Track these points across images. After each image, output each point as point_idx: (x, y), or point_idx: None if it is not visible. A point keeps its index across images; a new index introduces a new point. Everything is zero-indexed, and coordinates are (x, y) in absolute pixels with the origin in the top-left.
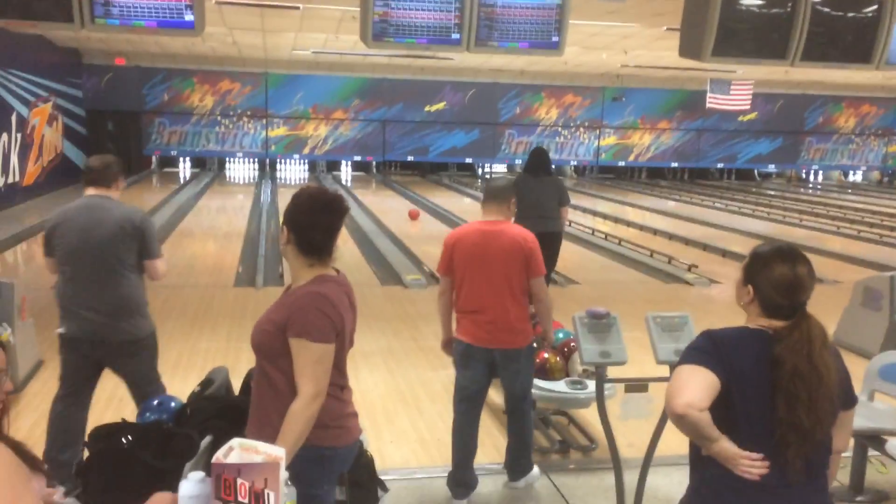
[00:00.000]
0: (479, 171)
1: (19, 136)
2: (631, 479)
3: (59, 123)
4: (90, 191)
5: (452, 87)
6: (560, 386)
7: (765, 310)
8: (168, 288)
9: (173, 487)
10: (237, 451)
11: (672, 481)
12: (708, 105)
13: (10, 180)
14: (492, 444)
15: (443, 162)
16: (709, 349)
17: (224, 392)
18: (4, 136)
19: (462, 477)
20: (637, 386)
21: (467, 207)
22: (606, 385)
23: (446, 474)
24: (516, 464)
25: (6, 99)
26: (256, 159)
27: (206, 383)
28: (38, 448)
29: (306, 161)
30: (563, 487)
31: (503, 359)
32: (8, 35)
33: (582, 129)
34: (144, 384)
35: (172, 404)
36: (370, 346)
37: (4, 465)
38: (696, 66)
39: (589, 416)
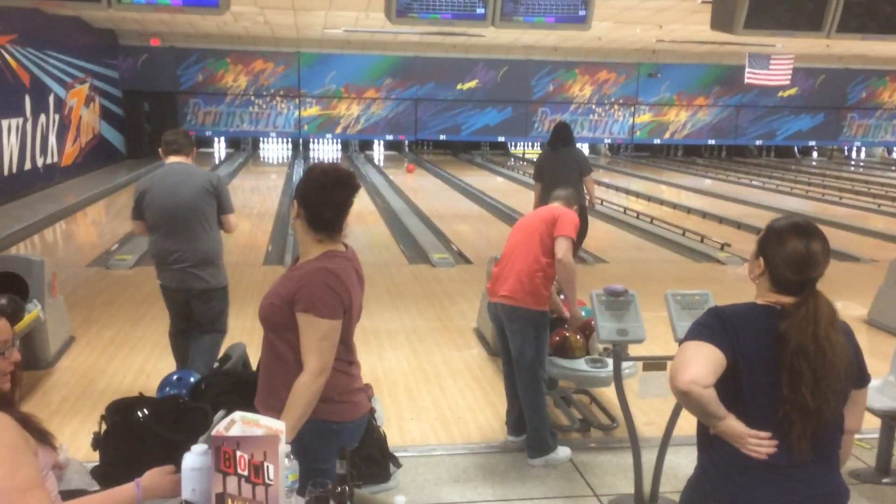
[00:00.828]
0: (511, 149)
1: (57, 117)
2: (649, 457)
3: (97, 104)
4: (172, 159)
5: (485, 64)
6: (580, 364)
7: (775, 284)
8: None
9: None
10: (238, 424)
11: (691, 461)
12: (746, 80)
13: (49, 161)
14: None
15: (475, 141)
16: (715, 325)
17: (240, 367)
18: (42, 117)
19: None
20: (655, 364)
21: (499, 186)
22: (627, 364)
23: (466, 451)
24: (527, 438)
25: (43, 80)
26: (289, 139)
27: (223, 359)
28: (68, 421)
29: (339, 141)
30: (582, 466)
31: (505, 317)
32: (44, 17)
33: (616, 107)
34: (217, 322)
35: (192, 379)
36: (395, 324)
37: (8, 435)
38: (734, 41)
39: (611, 394)
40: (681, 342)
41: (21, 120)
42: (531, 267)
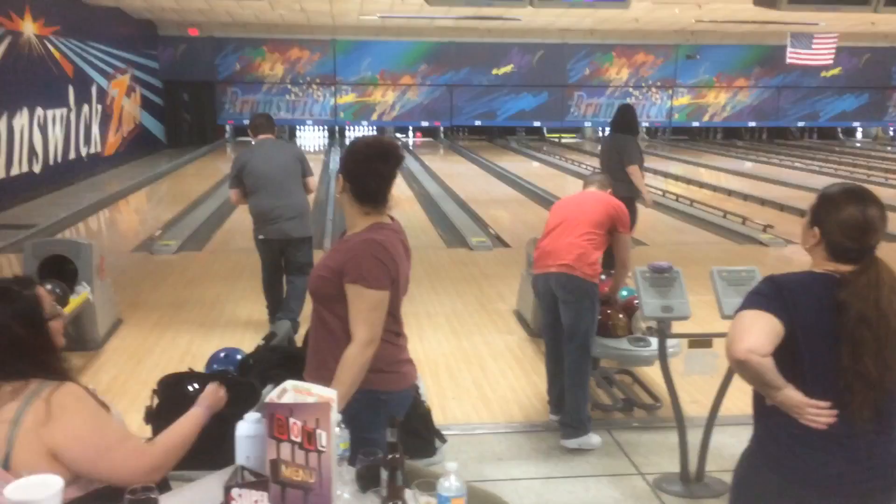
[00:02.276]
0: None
1: (100, 107)
2: (694, 437)
3: (137, 94)
4: (262, 136)
5: (520, 48)
6: (623, 343)
7: (832, 253)
8: (239, 251)
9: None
10: (290, 392)
11: (738, 440)
12: (788, 60)
13: (93, 150)
14: None
15: (511, 126)
16: (772, 294)
17: (286, 344)
18: (86, 107)
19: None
20: (701, 341)
21: (536, 171)
22: (671, 342)
23: (509, 430)
24: (564, 416)
25: (86, 71)
26: (326, 126)
27: (269, 337)
28: (119, 399)
29: (375, 127)
30: (626, 445)
31: (561, 287)
32: (85, 8)
33: (654, 89)
34: (305, 267)
35: (238, 356)
36: (434, 307)
37: (87, 399)
38: (776, 19)
39: (653, 375)
40: (736, 312)
41: (65, 110)
42: (586, 240)
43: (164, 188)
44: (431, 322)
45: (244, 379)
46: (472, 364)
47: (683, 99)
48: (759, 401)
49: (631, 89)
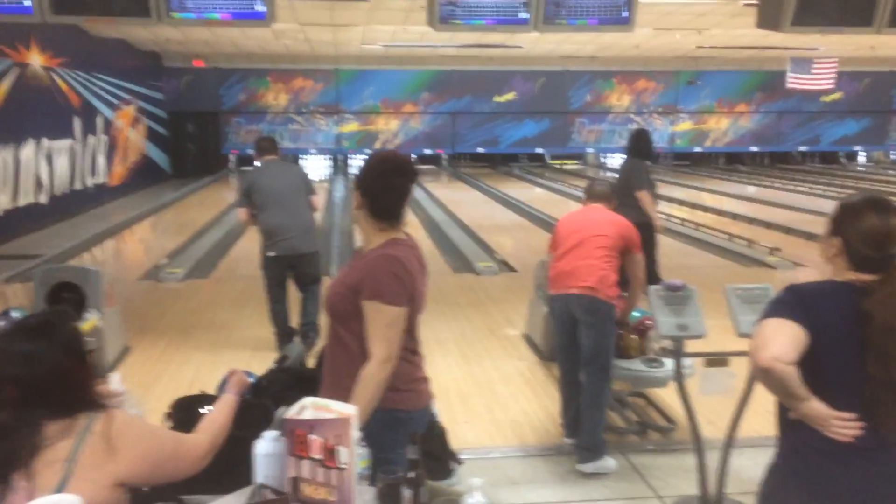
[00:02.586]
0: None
1: (105, 137)
2: (711, 459)
3: (143, 125)
4: (267, 157)
5: (522, 76)
6: (636, 364)
7: (853, 263)
8: (245, 279)
9: (250, 455)
10: (309, 409)
11: (755, 463)
12: (788, 85)
13: (99, 181)
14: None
15: (513, 153)
16: (794, 302)
17: (298, 366)
18: (91, 138)
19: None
20: (718, 360)
21: (539, 197)
22: (686, 363)
23: (522, 454)
24: (580, 440)
25: (92, 102)
26: (329, 155)
27: (281, 359)
28: None
29: None
30: (642, 468)
31: (583, 309)
32: (91, 40)
33: (655, 115)
34: (312, 282)
35: (250, 379)
36: (443, 332)
37: (137, 419)
38: (776, 44)
39: (666, 397)
40: (757, 322)
41: (72, 141)
42: (605, 262)
43: (169, 218)
44: (441, 348)
45: (258, 401)
46: (483, 388)
47: (685, 124)
48: (783, 414)
49: (633, 115)
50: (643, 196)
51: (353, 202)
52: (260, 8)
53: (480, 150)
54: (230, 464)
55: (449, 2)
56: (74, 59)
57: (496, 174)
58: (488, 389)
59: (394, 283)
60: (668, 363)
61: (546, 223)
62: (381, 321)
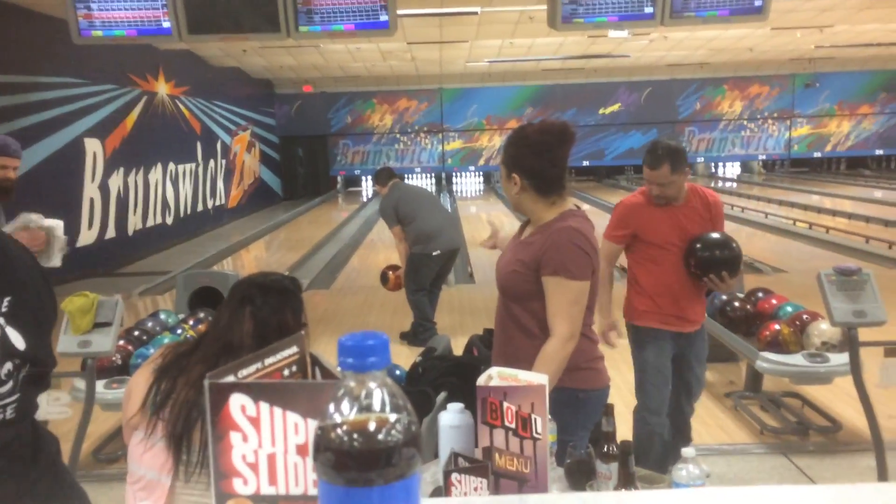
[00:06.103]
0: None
1: (224, 162)
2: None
3: (257, 150)
4: (392, 181)
5: (627, 87)
6: (797, 359)
7: None
8: (365, 290)
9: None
10: (496, 380)
11: None
12: None
13: (218, 203)
14: (715, 424)
15: (619, 165)
16: None
17: (449, 355)
18: (212, 162)
19: None
20: None
21: None
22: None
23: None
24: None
25: (212, 128)
26: (433, 173)
27: (428, 350)
28: None
29: (481, 173)
30: (808, 469)
31: (690, 345)
32: (211, 69)
33: (770, 121)
34: (441, 281)
35: (397, 372)
36: None
37: None
38: None
39: (823, 396)
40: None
41: (194, 165)
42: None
43: (283, 236)
44: None
45: (417, 388)
46: None
47: (803, 129)
48: None
49: (745, 122)
50: None
51: (511, 188)
52: (384, 17)
53: (586, 163)
54: None
55: (572, 1)
56: (196, 88)
57: (602, 187)
58: None
59: (579, 256)
60: (833, 357)
61: None
62: (565, 297)
